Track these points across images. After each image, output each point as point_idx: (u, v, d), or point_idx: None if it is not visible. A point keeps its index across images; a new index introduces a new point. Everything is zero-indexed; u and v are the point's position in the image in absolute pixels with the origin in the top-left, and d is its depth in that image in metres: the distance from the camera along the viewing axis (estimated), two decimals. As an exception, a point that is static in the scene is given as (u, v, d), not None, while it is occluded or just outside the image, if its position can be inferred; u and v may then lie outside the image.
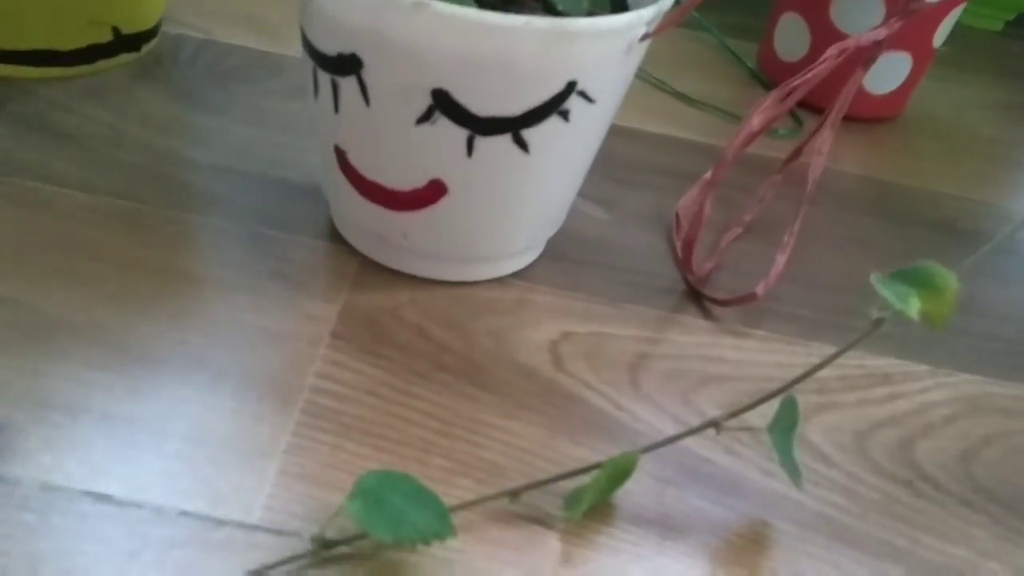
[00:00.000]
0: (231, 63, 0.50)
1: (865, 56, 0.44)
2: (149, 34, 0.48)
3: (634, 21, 0.32)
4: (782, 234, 0.42)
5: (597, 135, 0.36)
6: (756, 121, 0.40)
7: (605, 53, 0.32)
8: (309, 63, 0.34)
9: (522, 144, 0.33)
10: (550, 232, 0.39)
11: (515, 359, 0.36)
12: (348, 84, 0.33)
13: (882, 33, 0.43)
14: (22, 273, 0.35)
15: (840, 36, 0.55)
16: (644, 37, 0.33)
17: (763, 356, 0.39)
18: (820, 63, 0.41)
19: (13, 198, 0.38)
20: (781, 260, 0.41)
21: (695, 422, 0.32)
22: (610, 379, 0.36)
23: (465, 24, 0.29)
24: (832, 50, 0.42)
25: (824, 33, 0.56)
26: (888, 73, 0.57)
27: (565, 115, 0.33)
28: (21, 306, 0.33)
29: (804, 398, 0.36)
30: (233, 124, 0.45)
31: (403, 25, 0.30)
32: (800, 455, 0.34)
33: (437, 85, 0.31)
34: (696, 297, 0.41)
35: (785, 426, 0.32)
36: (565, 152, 0.35)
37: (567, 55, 0.31)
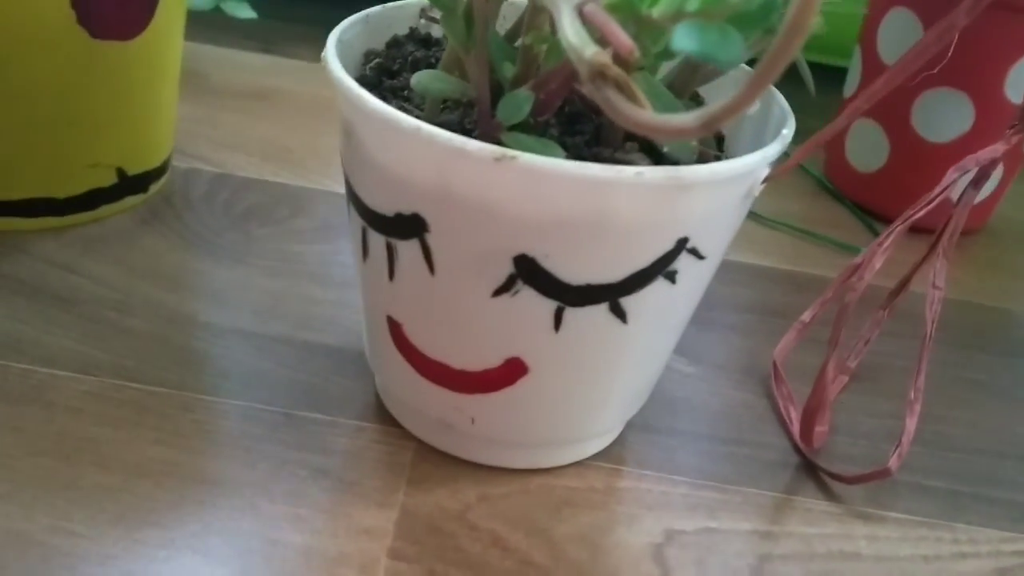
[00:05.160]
0: (250, 200, 0.44)
1: (982, 175, 0.38)
2: (158, 172, 0.42)
3: (758, 163, 0.26)
4: (894, 381, 0.35)
5: (701, 292, 0.30)
6: (878, 262, 0.34)
7: (723, 203, 0.26)
8: (357, 221, 0.28)
9: (620, 313, 0.27)
10: (639, 405, 0.33)
11: (615, 574, 0.29)
12: (408, 249, 0.27)
13: (1000, 150, 0.37)
14: (3, 487, 0.28)
15: (922, 144, 0.50)
16: (767, 179, 0.27)
17: (904, 548, 0.32)
18: (942, 190, 0.36)
19: (-3, 384, 0.32)
20: (911, 424, 0.34)
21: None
22: (732, 594, 0.29)
23: (560, 180, 0.23)
24: (952, 173, 0.36)
25: (904, 141, 0.50)
26: (977, 183, 0.51)
27: (672, 277, 0.27)
28: (1, 531, 0.27)
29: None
30: (256, 275, 0.39)
31: (481, 183, 0.24)
32: None
33: (520, 251, 0.25)
34: (813, 470, 0.34)
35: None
36: (667, 317, 0.29)
37: (680, 209, 0.25)
